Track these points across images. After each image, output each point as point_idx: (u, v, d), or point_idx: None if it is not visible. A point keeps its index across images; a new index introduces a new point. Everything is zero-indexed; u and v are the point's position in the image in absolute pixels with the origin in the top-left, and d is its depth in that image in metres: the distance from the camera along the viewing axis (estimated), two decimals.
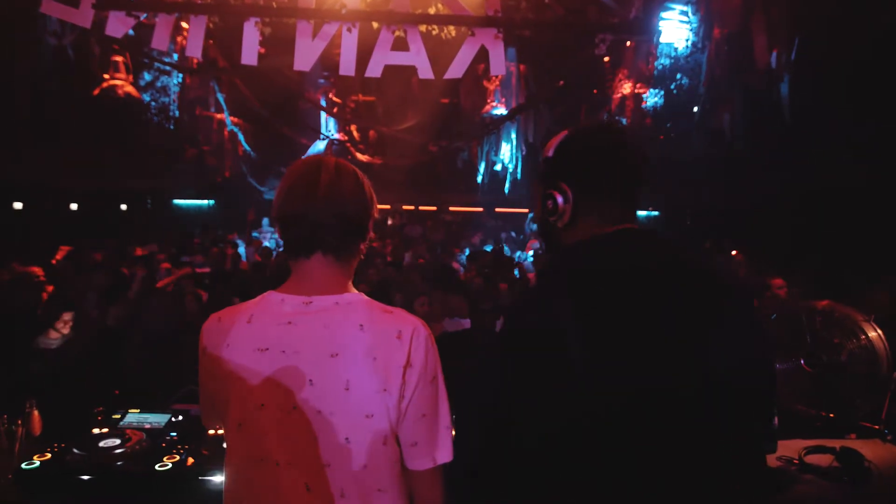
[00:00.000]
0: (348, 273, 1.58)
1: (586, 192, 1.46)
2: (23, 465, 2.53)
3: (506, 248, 9.06)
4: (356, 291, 1.57)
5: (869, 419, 3.28)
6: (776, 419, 3.05)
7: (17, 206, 11.51)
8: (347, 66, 4.79)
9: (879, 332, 3.41)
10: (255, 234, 9.99)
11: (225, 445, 1.55)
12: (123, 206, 16.31)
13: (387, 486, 1.49)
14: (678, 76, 5.85)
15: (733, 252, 9.08)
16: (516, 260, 8.11)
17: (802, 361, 3.39)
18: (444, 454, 1.50)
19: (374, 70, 4.77)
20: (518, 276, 6.84)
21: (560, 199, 1.47)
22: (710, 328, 1.34)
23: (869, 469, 2.74)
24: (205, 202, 16.00)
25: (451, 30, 5.67)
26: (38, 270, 5.66)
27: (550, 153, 1.52)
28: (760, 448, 1.51)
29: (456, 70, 4.83)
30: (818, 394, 3.30)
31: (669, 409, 1.30)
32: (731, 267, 7.79)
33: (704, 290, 1.39)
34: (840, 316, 3.45)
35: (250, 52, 4.95)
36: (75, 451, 2.62)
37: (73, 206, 14.80)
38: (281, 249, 7.42)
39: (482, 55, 4.83)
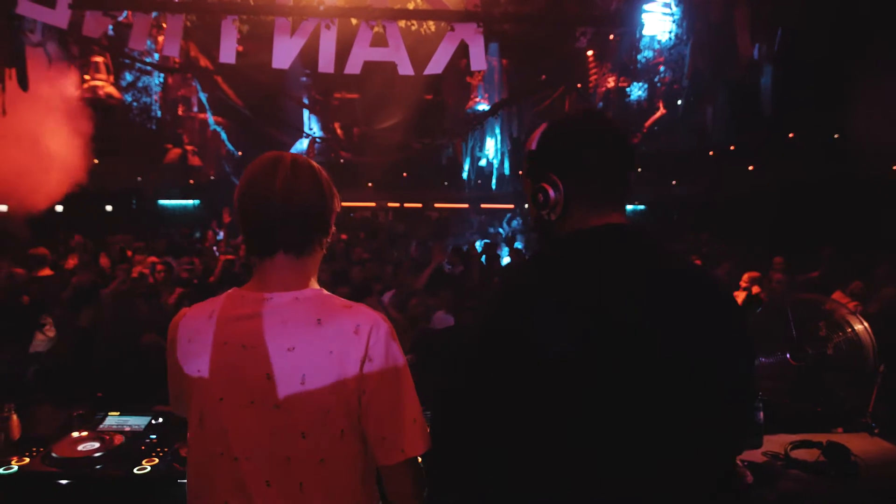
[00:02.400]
0: (311, 268, 1.59)
1: (575, 180, 1.44)
2: (1, 470, 2.51)
3: (478, 243, 9.12)
4: (318, 287, 1.58)
5: (856, 413, 3.28)
6: (761, 414, 3.05)
7: (2, 208, 11.39)
8: (326, 63, 4.76)
9: (866, 324, 3.41)
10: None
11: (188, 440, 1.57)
12: (109, 207, 16.24)
13: (347, 481, 1.51)
14: (662, 69, 5.84)
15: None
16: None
17: (788, 355, 3.39)
18: (413, 447, 1.49)
19: (353, 67, 4.75)
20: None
21: (552, 192, 1.45)
22: (689, 327, 1.33)
23: (855, 463, 2.76)
24: (190, 202, 15.97)
25: (431, 25, 5.64)
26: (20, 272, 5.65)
27: (533, 146, 1.50)
28: (735, 449, 1.49)
29: (436, 66, 4.82)
30: (804, 388, 3.29)
31: (641, 408, 1.29)
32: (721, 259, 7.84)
33: (685, 289, 1.38)
34: (826, 309, 3.45)
35: (228, 51, 4.91)
36: (54, 455, 2.61)
37: (59, 208, 14.71)
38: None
39: (463, 50, 4.81)
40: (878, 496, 2.64)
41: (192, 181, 13.51)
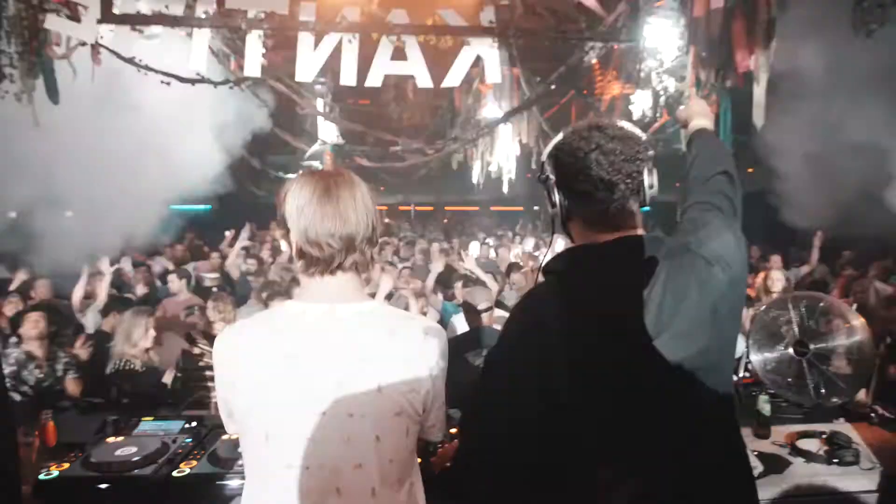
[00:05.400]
0: (362, 280, 1.66)
1: (569, 195, 1.55)
2: (41, 476, 2.60)
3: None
4: (372, 299, 1.67)
5: (857, 403, 3.46)
6: (768, 406, 3.22)
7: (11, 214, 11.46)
8: (349, 76, 4.92)
9: (863, 319, 3.58)
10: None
11: (241, 450, 1.60)
12: None
13: (410, 474, 1.62)
14: (664, 78, 5.98)
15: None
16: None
17: (791, 350, 3.54)
18: (447, 428, 1.77)
19: (374, 79, 4.91)
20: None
21: (549, 201, 1.58)
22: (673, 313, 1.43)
23: (857, 451, 2.91)
24: (202, 207, 15.73)
25: (448, 39, 5.79)
26: None
27: (544, 156, 1.61)
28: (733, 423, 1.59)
29: (453, 78, 4.97)
30: (808, 380, 3.45)
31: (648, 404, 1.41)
32: None
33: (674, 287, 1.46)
34: (826, 305, 3.62)
35: (254, 63, 5.08)
36: (93, 459, 2.72)
37: (69, 214, 14.67)
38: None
39: (478, 62, 4.97)
40: (873, 480, 2.80)
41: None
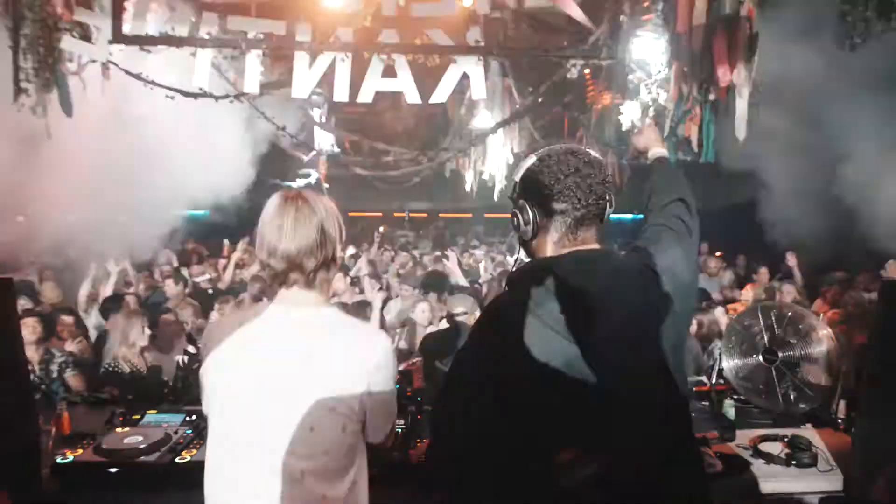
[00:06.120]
0: (324, 289, 1.84)
1: (543, 213, 1.67)
2: (58, 460, 2.88)
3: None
4: (331, 305, 1.87)
5: (822, 409, 3.63)
6: (733, 410, 3.40)
7: (20, 219, 11.60)
8: (342, 92, 5.17)
9: (829, 329, 3.77)
10: None
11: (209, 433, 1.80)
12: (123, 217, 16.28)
13: (345, 468, 1.76)
14: (652, 90, 6.16)
15: (717, 253, 9.48)
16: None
17: (761, 358, 3.73)
18: (392, 428, 1.91)
19: (365, 95, 5.16)
20: None
21: (521, 217, 1.69)
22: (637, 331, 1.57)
23: (815, 454, 3.06)
24: (199, 212, 15.90)
25: (436, 58, 6.04)
26: None
27: (518, 177, 1.73)
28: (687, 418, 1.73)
29: (441, 95, 5.21)
30: (776, 387, 3.63)
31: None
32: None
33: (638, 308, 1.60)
34: (794, 315, 3.80)
35: (252, 81, 5.35)
36: (104, 447, 2.99)
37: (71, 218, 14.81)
38: None
39: (465, 78, 5.22)
40: (830, 482, 2.98)
41: None
